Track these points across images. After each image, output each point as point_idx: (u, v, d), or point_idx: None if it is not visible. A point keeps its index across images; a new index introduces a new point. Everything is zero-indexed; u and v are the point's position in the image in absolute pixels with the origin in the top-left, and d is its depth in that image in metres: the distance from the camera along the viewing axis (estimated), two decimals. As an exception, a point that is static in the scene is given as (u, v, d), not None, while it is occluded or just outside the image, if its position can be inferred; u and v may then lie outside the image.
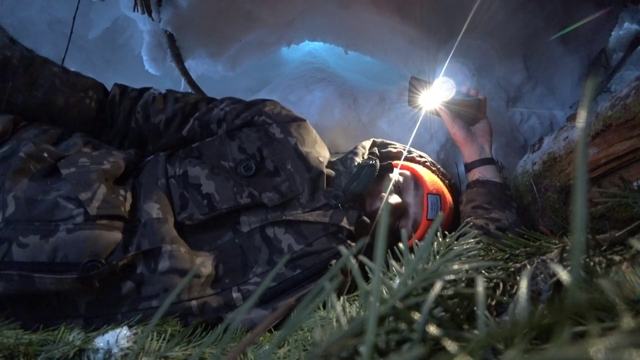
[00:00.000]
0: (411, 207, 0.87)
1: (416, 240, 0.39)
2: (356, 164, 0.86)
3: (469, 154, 0.98)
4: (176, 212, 0.73)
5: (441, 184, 0.93)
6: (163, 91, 0.91)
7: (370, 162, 0.86)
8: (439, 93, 1.01)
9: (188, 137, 0.88)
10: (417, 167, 0.93)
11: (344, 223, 0.77)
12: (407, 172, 0.91)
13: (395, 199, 0.86)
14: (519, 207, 0.92)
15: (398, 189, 0.89)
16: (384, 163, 0.92)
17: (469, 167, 0.98)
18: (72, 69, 0.85)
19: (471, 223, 0.84)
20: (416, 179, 0.89)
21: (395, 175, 0.89)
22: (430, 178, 0.91)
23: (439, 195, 0.89)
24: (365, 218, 0.81)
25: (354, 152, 0.90)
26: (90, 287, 0.62)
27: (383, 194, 0.86)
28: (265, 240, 0.74)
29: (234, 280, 0.71)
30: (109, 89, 0.89)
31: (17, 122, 0.77)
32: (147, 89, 0.91)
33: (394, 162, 0.94)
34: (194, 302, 0.66)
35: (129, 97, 0.88)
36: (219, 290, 0.69)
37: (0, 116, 0.75)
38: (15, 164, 0.67)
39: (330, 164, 0.88)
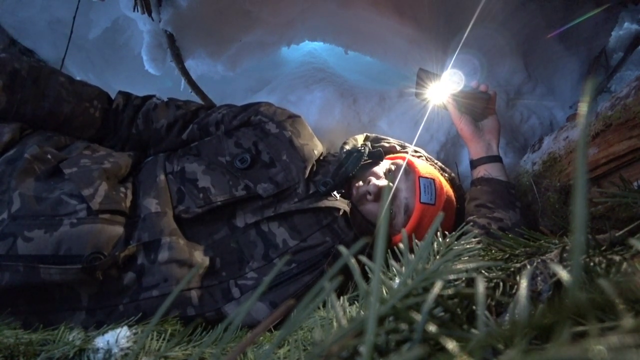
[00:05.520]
0: (402, 192, 0.84)
1: (416, 240, 0.39)
2: (345, 151, 0.87)
3: (476, 150, 0.96)
4: (173, 206, 0.74)
5: (437, 172, 0.91)
6: (165, 99, 0.94)
7: (359, 148, 0.86)
8: (447, 85, 0.97)
9: (188, 141, 0.91)
10: (410, 157, 0.92)
11: (337, 204, 0.78)
12: (399, 161, 0.90)
13: (382, 182, 0.84)
14: (524, 206, 0.90)
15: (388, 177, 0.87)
16: (374, 150, 0.91)
17: (474, 163, 0.97)
18: (72, 69, 0.86)
19: (473, 222, 0.84)
20: (407, 165, 0.87)
21: (386, 164, 0.89)
22: (423, 165, 0.89)
23: (432, 179, 0.85)
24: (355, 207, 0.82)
25: (345, 143, 0.91)
26: (94, 278, 0.63)
27: (370, 177, 0.85)
28: (260, 235, 0.75)
29: (230, 274, 0.72)
30: (112, 95, 0.92)
31: (23, 129, 0.80)
32: (150, 97, 0.94)
33: (387, 156, 0.93)
34: (193, 292, 0.68)
35: (132, 105, 0.91)
36: (216, 283, 0.71)
37: (9, 125, 0.78)
38: (21, 165, 0.70)
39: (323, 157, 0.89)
